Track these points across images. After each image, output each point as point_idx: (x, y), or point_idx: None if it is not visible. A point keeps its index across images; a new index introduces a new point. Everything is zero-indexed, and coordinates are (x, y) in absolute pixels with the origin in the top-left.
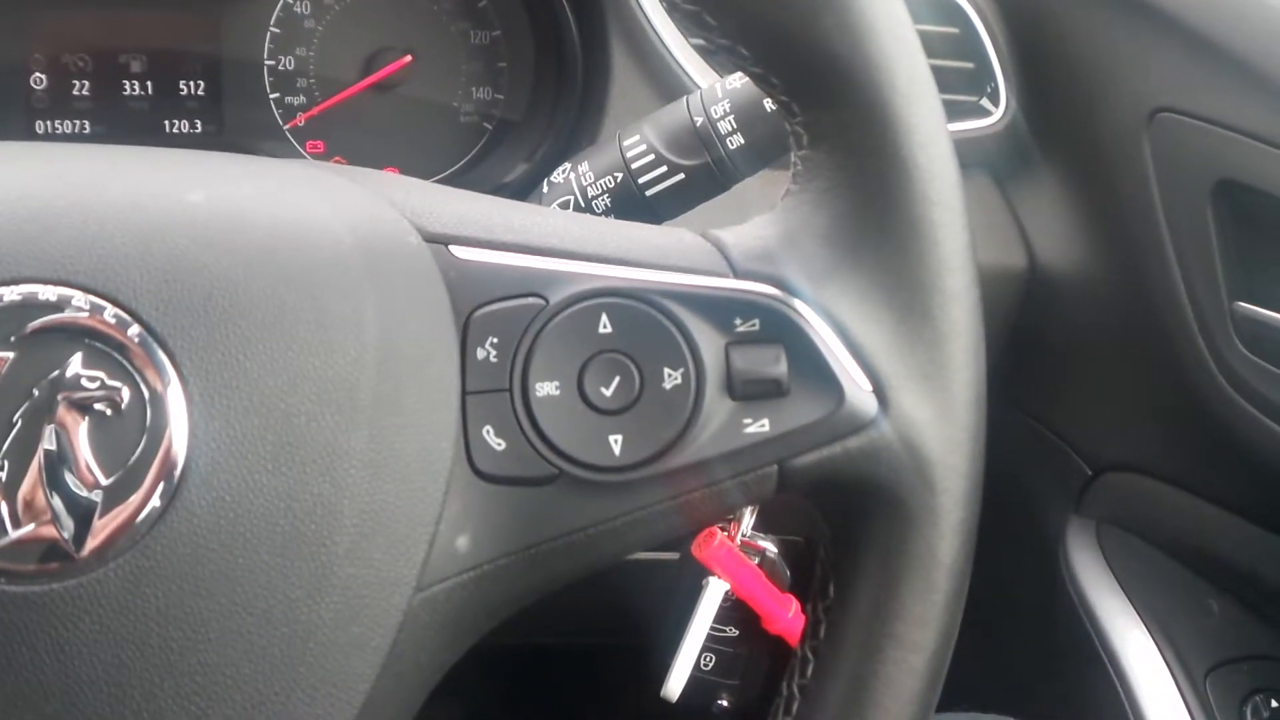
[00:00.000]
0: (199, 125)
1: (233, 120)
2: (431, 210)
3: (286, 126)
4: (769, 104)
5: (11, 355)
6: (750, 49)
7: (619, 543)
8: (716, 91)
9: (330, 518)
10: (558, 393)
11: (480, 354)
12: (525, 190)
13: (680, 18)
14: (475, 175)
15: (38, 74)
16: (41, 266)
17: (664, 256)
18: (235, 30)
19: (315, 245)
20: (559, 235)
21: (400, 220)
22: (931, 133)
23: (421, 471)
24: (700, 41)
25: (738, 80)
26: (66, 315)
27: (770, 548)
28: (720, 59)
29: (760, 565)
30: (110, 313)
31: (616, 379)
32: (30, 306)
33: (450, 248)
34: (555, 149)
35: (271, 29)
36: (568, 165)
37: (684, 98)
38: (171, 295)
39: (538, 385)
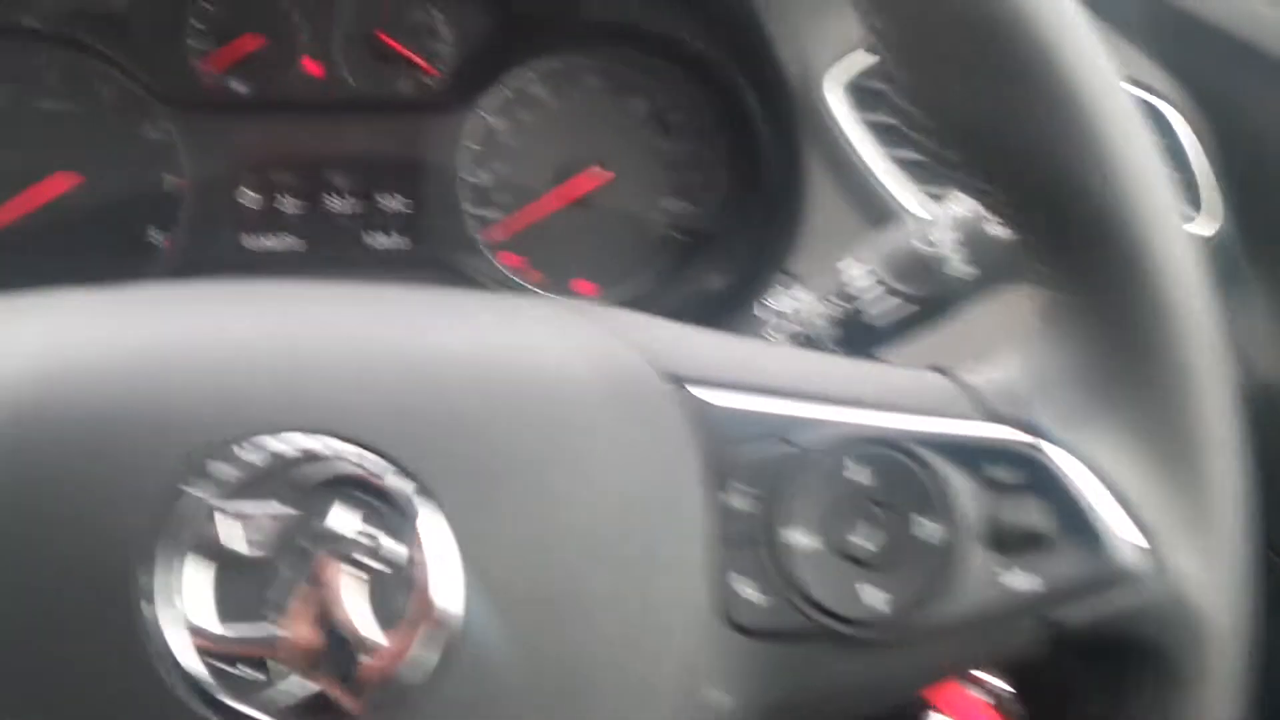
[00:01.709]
0: (397, 237)
1: (430, 233)
2: (674, 351)
3: (482, 240)
4: (994, 229)
5: (278, 506)
6: (1009, 201)
7: (868, 698)
8: (944, 219)
9: (590, 673)
10: (811, 542)
11: (729, 500)
12: (727, 304)
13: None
14: (672, 289)
15: (244, 189)
16: (305, 417)
17: (913, 400)
18: (432, 146)
19: (568, 391)
20: (804, 377)
21: (644, 364)
22: (1185, 269)
23: (676, 622)
24: (906, 155)
25: (963, 207)
26: (335, 466)
27: (1002, 687)
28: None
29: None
30: (375, 463)
31: (871, 529)
32: (297, 457)
33: (693, 389)
34: (751, 261)
35: (468, 144)
36: (788, 291)
37: (906, 224)
38: (436, 445)
39: (790, 534)
